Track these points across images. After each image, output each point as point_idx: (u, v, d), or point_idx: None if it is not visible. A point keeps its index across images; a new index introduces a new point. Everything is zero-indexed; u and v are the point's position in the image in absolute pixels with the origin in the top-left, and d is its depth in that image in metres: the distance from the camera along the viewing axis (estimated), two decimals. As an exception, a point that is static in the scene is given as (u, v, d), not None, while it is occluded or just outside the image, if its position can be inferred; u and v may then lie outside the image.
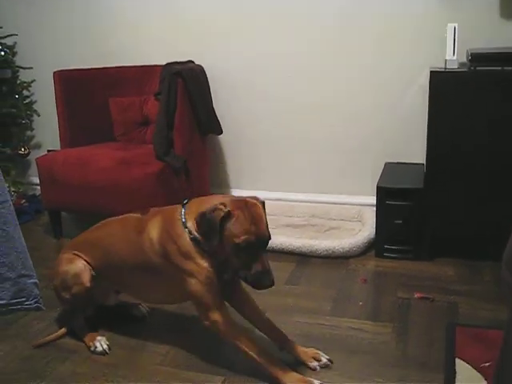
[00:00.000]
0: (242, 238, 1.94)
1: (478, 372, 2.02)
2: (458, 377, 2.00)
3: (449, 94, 2.87)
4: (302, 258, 3.18)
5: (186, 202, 2.16)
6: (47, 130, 4.33)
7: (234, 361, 2.16)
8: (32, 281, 1.79)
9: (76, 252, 2.39)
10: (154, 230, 2.17)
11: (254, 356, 2.01)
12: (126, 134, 3.91)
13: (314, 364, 2.10)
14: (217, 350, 2.24)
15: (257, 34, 3.76)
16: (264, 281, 1.96)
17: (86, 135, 3.81)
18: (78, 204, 3.46)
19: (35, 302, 1.80)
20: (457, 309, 2.55)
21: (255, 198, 2.09)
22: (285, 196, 3.91)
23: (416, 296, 2.67)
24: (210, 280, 2.05)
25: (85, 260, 2.36)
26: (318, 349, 2.16)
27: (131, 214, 2.37)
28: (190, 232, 2.07)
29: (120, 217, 2.44)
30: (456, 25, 3.00)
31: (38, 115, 4.44)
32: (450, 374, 2.02)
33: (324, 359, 2.12)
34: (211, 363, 2.17)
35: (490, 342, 2.19)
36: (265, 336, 2.19)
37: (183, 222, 2.09)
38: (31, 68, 4.30)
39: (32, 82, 4.36)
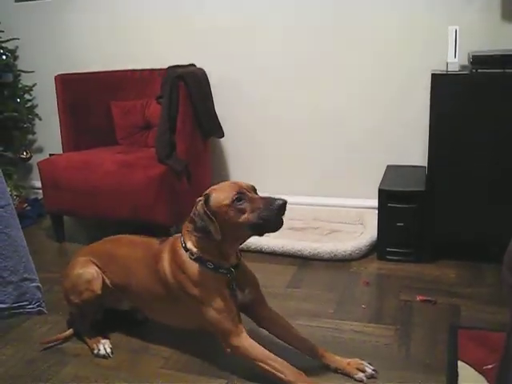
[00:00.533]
0: (230, 194, 1.98)
1: (481, 374, 2.01)
2: (461, 379, 1.99)
3: (450, 96, 2.87)
4: (303, 261, 3.18)
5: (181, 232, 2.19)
6: (49, 133, 4.33)
7: (236, 364, 2.15)
8: (34, 284, 1.79)
9: (93, 260, 2.40)
10: (166, 262, 2.19)
11: (281, 376, 1.96)
12: (128, 137, 3.91)
13: (360, 375, 2.04)
14: (219, 354, 2.23)
15: (258, 38, 3.77)
16: (275, 203, 1.98)
17: (88, 139, 3.82)
18: (80, 208, 3.46)
19: (38, 306, 1.80)
20: (459, 311, 2.54)
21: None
22: (286, 199, 3.90)
23: (418, 299, 2.66)
24: (224, 305, 2.06)
25: (100, 269, 2.37)
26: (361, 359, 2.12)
27: (152, 240, 2.39)
28: (191, 253, 2.09)
29: (142, 239, 2.45)
30: (457, 27, 3.00)
31: (40, 119, 4.45)
32: (453, 377, 2.01)
33: (369, 370, 2.05)
34: (213, 366, 2.17)
35: (492, 345, 2.18)
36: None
37: (184, 247, 2.12)
38: (33, 72, 4.32)
39: (34, 85, 4.38)
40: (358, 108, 3.65)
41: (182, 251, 2.12)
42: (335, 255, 3.15)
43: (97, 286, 2.32)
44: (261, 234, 2.04)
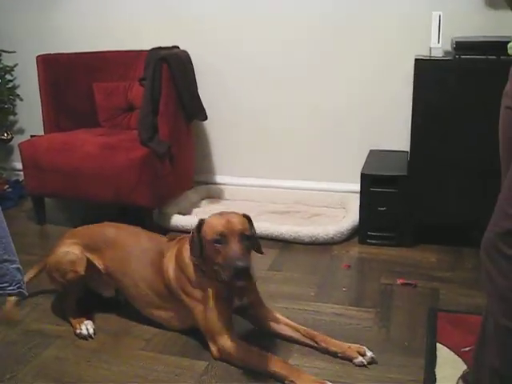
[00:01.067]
0: (214, 231, 1.99)
1: (459, 357, 2.05)
2: (439, 361, 2.02)
3: (433, 81, 2.88)
4: (285, 244, 3.19)
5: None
6: (30, 114, 4.28)
7: (217, 346, 2.18)
8: (14, 266, 1.78)
9: (86, 242, 2.42)
10: (171, 261, 2.24)
11: (268, 369, 1.97)
12: (110, 119, 3.88)
13: (360, 359, 2.05)
14: (200, 336, 2.25)
15: (243, 20, 3.74)
16: (234, 264, 1.91)
17: (70, 120, 3.78)
18: (61, 190, 3.43)
19: (18, 288, 1.79)
20: (438, 295, 2.57)
21: (244, 214, 2.11)
22: (269, 183, 3.92)
23: (399, 282, 2.69)
24: (217, 306, 2.09)
25: (94, 252, 2.40)
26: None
27: (160, 236, 2.47)
28: (191, 260, 2.15)
29: (148, 232, 2.51)
30: (441, 13, 3.01)
31: (21, 100, 4.39)
32: (431, 359, 2.04)
33: (369, 354, 2.06)
34: (194, 348, 2.18)
35: (470, 328, 2.21)
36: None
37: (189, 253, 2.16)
38: (14, 52, 4.25)
39: (15, 66, 4.31)
40: (341, 92, 3.65)
41: (187, 253, 2.15)
42: (317, 239, 3.16)
43: (80, 268, 2.33)
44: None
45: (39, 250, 3.20)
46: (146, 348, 2.20)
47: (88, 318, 2.36)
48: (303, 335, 2.18)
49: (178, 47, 3.71)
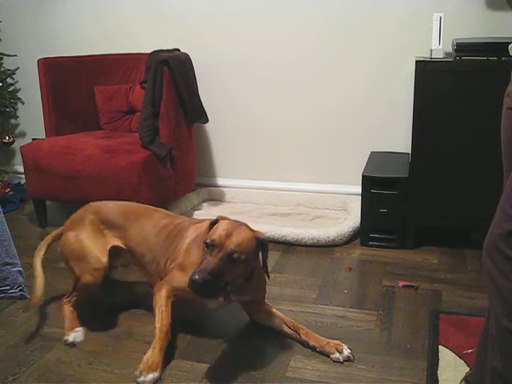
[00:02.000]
0: (210, 236, 1.98)
1: (461, 359, 2.04)
2: (441, 363, 2.02)
3: (434, 83, 2.88)
4: (287, 246, 3.19)
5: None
6: (32, 118, 4.29)
7: (218, 349, 2.17)
8: (16, 269, 1.79)
9: (109, 223, 2.45)
10: (190, 236, 2.27)
11: (156, 324, 2.09)
12: (111, 122, 3.89)
13: (337, 355, 2.09)
14: (202, 339, 2.25)
15: (244, 23, 3.75)
16: (193, 274, 1.86)
17: (71, 123, 3.79)
18: (63, 193, 3.44)
19: (20, 291, 1.80)
20: (440, 297, 2.57)
21: (258, 237, 2.05)
22: (270, 185, 3.92)
23: (400, 284, 2.69)
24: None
25: (112, 232, 2.43)
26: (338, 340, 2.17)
27: (183, 216, 2.53)
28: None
29: (164, 210, 2.57)
30: (442, 14, 3.01)
31: (23, 103, 4.41)
32: (433, 361, 2.04)
33: (346, 352, 2.09)
34: (196, 351, 2.18)
35: (472, 330, 2.21)
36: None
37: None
38: (15, 55, 4.26)
39: (16, 69, 4.33)
40: (342, 94, 3.65)
41: (206, 231, 2.11)
42: (318, 241, 3.16)
43: (101, 277, 2.33)
44: None
45: (41, 253, 3.20)
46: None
47: (80, 325, 2.34)
48: (289, 327, 2.23)
49: (179, 50, 3.71)
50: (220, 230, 1.98)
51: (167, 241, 2.33)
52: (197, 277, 1.84)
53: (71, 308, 2.39)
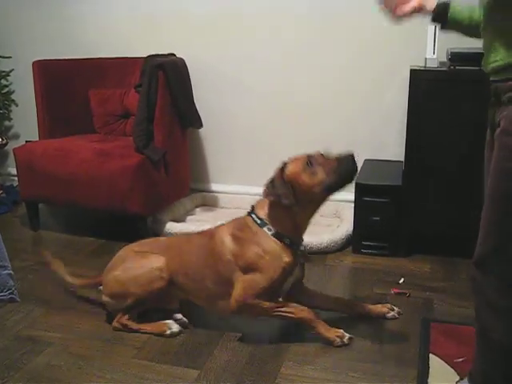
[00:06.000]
0: (302, 162, 2.14)
1: (451, 367, 2.04)
2: (432, 372, 2.02)
3: (428, 92, 2.89)
4: (280, 252, 3.18)
5: (251, 211, 2.27)
6: (26, 120, 4.27)
7: (208, 355, 2.17)
8: (7, 272, 1.78)
9: (149, 250, 2.39)
10: (225, 235, 2.26)
11: (292, 316, 2.21)
12: (105, 126, 3.88)
13: (391, 314, 2.41)
14: (192, 344, 2.24)
15: (239, 28, 3.75)
16: (347, 164, 2.12)
17: (65, 126, 3.78)
18: (55, 196, 3.43)
19: (9, 294, 1.79)
20: (432, 305, 2.57)
21: None
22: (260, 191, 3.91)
23: (393, 291, 2.69)
24: (279, 276, 2.16)
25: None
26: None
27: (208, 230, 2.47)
28: (269, 229, 2.19)
29: (200, 232, 2.52)
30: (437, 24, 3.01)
31: (17, 105, 4.39)
32: (424, 370, 2.04)
33: (396, 309, 2.43)
34: (187, 356, 2.17)
35: (463, 338, 2.21)
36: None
37: (259, 223, 2.20)
38: (10, 57, 4.25)
39: (11, 71, 4.31)
40: (336, 102, 3.65)
41: (255, 226, 2.21)
42: (311, 248, 3.15)
43: (167, 274, 2.30)
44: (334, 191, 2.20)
45: (32, 255, 3.19)
46: (137, 356, 2.19)
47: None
48: (339, 305, 2.45)
49: (175, 55, 3.72)
50: (297, 158, 2.18)
51: (204, 256, 2.30)
52: (348, 155, 2.13)
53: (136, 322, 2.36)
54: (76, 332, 2.37)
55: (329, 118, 3.69)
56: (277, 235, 2.18)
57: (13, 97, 4.39)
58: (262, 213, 2.22)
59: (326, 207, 3.67)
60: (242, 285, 2.17)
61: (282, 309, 2.20)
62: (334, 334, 2.21)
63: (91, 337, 2.33)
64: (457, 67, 2.87)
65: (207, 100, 3.85)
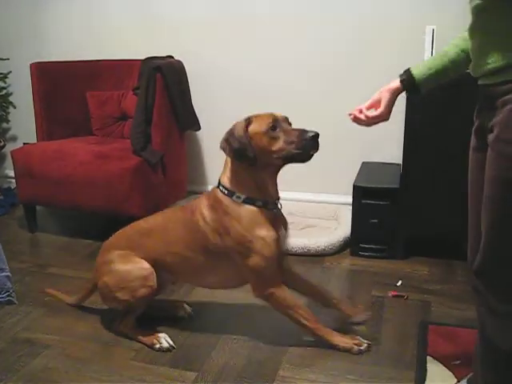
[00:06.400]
0: (265, 123, 2.07)
1: (449, 370, 2.04)
2: (429, 374, 2.02)
3: (426, 94, 2.88)
4: (277, 255, 3.18)
5: (218, 183, 2.20)
6: (23, 122, 4.27)
7: (206, 357, 2.17)
8: (4, 274, 1.78)
9: (128, 247, 2.31)
10: (204, 208, 2.19)
11: (306, 323, 2.18)
12: (103, 128, 3.88)
13: (362, 317, 2.36)
14: (190, 347, 2.24)
15: (237, 31, 3.76)
16: (308, 135, 2.12)
17: (63, 128, 3.78)
18: (53, 198, 3.42)
19: (7, 296, 1.79)
20: (430, 307, 2.57)
21: None
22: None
23: (391, 294, 2.69)
24: (273, 251, 2.11)
25: (135, 251, 2.29)
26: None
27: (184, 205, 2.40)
28: (239, 197, 2.12)
29: (175, 207, 2.52)
30: (434, 27, 3.02)
31: (14, 107, 4.39)
32: (422, 372, 2.04)
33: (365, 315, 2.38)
34: (184, 359, 2.17)
35: (461, 341, 2.21)
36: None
37: (227, 193, 2.14)
38: (8, 59, 4.26)
39: (8, 73, 4.32)
40: (334, 105, 3.66)
41: (225, 197, 2.14)
42: (309, 250, 3.16)
43: (152, 282, 2.24)
44: (290, 162, 2.13)
45: (30, 257, 3.19)
46: (135, 358, 2.19)
47: (157, 332, 2.32)
48: (321, 298, 2.38)
49: (173, 57, 3.72)
50: (263, 116, 2.12)
51: (183, 230, 2.24)
52: (312, 133, 2.16)
53: (133, 323, 2.34)
54: (74, 334, 2.36)
55: (327, 121, 3.68)
56: (247, 200, 2.11)
57: (11, 99, 4.40)
58: (227, 181, 2.15)
59: (325, 210, 3.71)
60: (251, 276, 2.16)
61: (302, 312, 2.19)
62: (351, 341, 2.20)
63: (89, 339, 2.33)
64: (455, 70, 2.87)
65: (205, 103, 3.85)
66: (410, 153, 2.98)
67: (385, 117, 1.92)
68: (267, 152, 2.06)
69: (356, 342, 2.19)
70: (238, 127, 2.09)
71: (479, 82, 1.54)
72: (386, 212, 3.09)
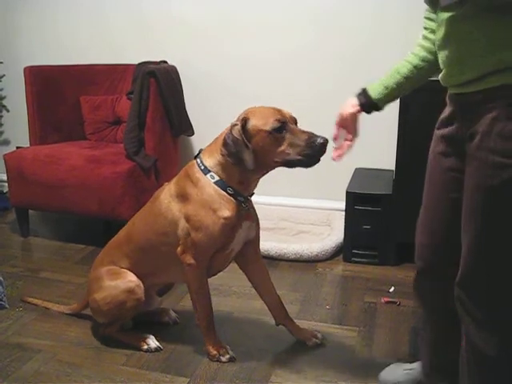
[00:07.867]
0: (271, 120, 1.92)
1: (441, 376, 2.04)
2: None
3: (419, 100, 2.90)
4: (270, 261, 3.17)
5: (198, 154, 2.10)
6: (16, 126, 4.26)
7: (198, 363, 2.16)
8: (-4, 278, 1.77)
9: (112, 262, 2.28)
10: (172, 183, 2.13)
11: (202, 318, 2.16)
12: (96, 132, 3.88)
13: (313, 341, 2.28)
14: (181, 352, 2.24)
15: (232, 36, 3.77)
16: (317, 141, 1.96)
17: (56, 133, 3.77)
18: (46, 202, 3.41)
19: (-1, 300, 1.78)
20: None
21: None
22: (254, 199, 3.89)
23: (383, 300, 2.69)
24: (218, 235, 2.01)
25: (124, 267, 2.26)
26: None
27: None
28: (212, 177, 2.01)
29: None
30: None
31: (8, 111, 4.38)
32: (413, 378, 2.04)
33: (320, 336, 2.29)
34: (176, 364, 2.17)
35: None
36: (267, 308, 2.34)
37: (203, 169, 2.03)
38: (1, 63, 4.25)
39: (2, 77, 4.31)
40: (327, 111, 3.65)
41: (199, 172, 2.03)
42: (301, 256, 3.16)
43: (140, 293, 2.21)
44: (291, 167, 2.02)
45: (22, 262, 3.18)
46: (126, 363, 2.18)
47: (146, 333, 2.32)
48: (273, 304, 2.31)
49: (166, 62, 3.72)
50: (269, 110, 1.99)
51: (151, 217, 2.17)
52: (321, 140, 1.98)
53: (120, 332, 2.33)
54: (65, 339, 2.36)
55: (320, 127, 3.68)
56: (219, 183, 2.01)
57: (4, 102, 4.38)
58: (209, 159, 2.03)
59: (317, 216, 3.72)
60: (187, 242, 2.05)
61: (204, 304, 2.15)
62: (218, 352, 2.18)
63: (80, 344, 2.32)
64: (447, 77, 2.88)
65: (199, 107, 3.85)
66: (403, 159, 2.99)
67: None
68: (267, 153, 1.95)
69: (222, 351, 2.17)
70: (234, 129, 1.94)
71: (451, 91, 1.54)
72: (378, 218, 3.09)
